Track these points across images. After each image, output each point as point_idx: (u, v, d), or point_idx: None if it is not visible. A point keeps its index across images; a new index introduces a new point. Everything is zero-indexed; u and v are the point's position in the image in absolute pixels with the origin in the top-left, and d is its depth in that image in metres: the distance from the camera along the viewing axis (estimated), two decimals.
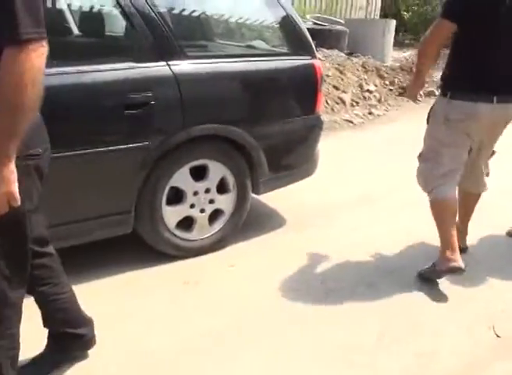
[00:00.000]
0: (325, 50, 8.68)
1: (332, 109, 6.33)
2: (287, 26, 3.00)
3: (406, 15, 14.79)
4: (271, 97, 2.82)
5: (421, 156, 2.72)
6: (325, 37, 9.22)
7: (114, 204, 2.41)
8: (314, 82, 2.97)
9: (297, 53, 2.95)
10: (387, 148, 4.95)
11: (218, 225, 2.80)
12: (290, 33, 3.02)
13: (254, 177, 2.85)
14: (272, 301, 2.41)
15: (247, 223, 3.02)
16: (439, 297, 2.51)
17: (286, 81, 2.89)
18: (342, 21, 11.04)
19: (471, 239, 3.02)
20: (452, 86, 2.54)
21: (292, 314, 2.32)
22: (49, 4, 2.65)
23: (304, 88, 2.98)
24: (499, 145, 2.76)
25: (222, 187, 2.77)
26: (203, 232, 2.75)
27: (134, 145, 2.34)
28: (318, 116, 3.07)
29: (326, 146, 4.74)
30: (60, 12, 2.91)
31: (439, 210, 2.59)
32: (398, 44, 13.24)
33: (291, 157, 3.03)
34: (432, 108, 2.65)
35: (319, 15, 11.32)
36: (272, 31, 3.22)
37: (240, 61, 2.70)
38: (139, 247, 2.68)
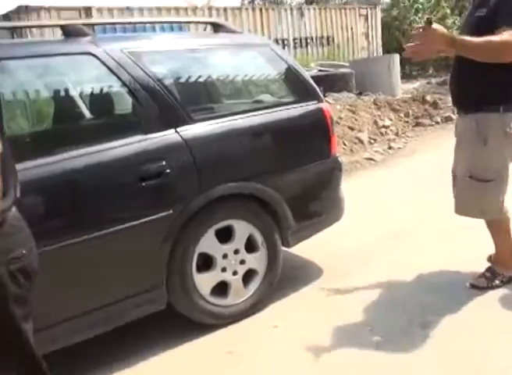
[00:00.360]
0: (334, 94, 8.77)
1: (351, 150, 6.29)
2: (290, 76, 3.02)
3: None
4: (284, 146, 2.79)
5: (484, 181, 2.51)
6: (332, 82, 9.34)
7: (143, 281, 2.34)
8: (325, 125, 2.94)
9: (303, 100, 2.94)
10: (412, 180, 4.83)
11: (253, 286, 2.70)
12: (294, 83, 3.03)
13: (281, 231, 2.77)
14: (322, 360, 2.27)
15: (283, 279, 2.92)
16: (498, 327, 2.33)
17: (296, 128, 2.86)
18: (346, 64, 11.24)
19: None
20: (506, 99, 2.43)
21: (347, 370, 2.17)
22: (62, 93, 2.71)
23: (315, 133, 2.95)
24: None
25: (250, 246, 2.69)
26: (239, 295, 2.65)
27: (155, 217, 2.30)
28: (335, 158, 3.01)
29: (350, 187, 4.67)
30: (71, 99, 2.98)
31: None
32: (406, 76, 13.36)
33: (315, 204, 2.96)
34: (475, 129, 2.49)
35: (323, 62, 11.56)
36: (276, 84, 3.24)
37: (248, 116, 2.69)
38: (172, 321, 2.59)
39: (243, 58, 2.97)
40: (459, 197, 2.66)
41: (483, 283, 2.71)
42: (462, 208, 2.66)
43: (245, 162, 2.63)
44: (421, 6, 15.18)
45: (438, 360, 2.15)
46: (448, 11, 15.28)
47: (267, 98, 3.05)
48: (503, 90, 2.43)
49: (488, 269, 2.75)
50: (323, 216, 2.99)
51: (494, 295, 2.63)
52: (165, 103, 2.44)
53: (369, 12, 13.55)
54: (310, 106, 2.94)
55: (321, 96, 3.05)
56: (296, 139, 2.87)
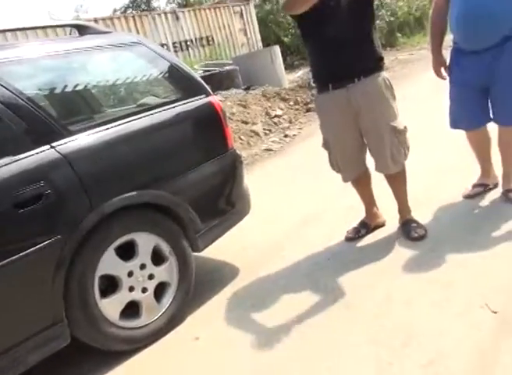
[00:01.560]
0: (222, 92, 8.70)
1: (249, 143, 6.23)
2: (171, 72, 2.84)
3: (286, 39, 15.35)
4: (177, 147, 2.61)
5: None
6: (218, 80, 9.28)
7: (40, 318, 2.06)
8: (217, 118, 2.80)
9: (190, 96, 2.78)
10: (312, 164, 4.85)
11: (167, 299, 2.50)
12: (177, 79, 2.86)
13: (188, 236, 2.59)
14: (251, 362, 2.13)
15: (199, 285, 2.75)
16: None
17: (186, 126, 2.70)
18: (229, 61, 11.22)
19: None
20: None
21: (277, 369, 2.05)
22: None
23: (208, 128, 2.80)
24: None
25: (158, 258, 2.48)
26: (153, 313, 2.44)
27: (42, 245, 2.03)
28: (232, 150, 2.89)
29: (254, 180, 4.61)
30: None
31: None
32: (289, 67, 13.63)
33: (220, 201, 2.82)
34: (383, 86, 2.74)
35: (207, 62, 11.45)
36: (158, 82, 3.05)
37: (132, 120, 2.47)
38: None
39: (117, 59, 2.73)
40: (387, 151, 2.76)
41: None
42: (394, 162, 2.79)
43: (136, 170, 2.41)
44: None
45: (367, 337, 2.10)
46: None
47: (150, 98, 2.85)
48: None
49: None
50: (230, 212, 2.86)
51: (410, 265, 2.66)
52: (32, 118, 2.16)
53: (243, 8, 13.64)
54: (198, 101, 2.79)
55: (209, 89, 2.90)
56: (189, 137, 2.71)
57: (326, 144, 2.93)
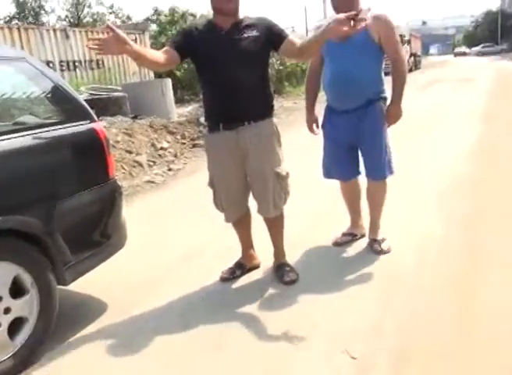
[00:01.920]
0: (108, 118, 8.45)
1: (131, 174, 6.07)
2: (55, 93, 2.69)
3: (178, 73, 15.45)
4: (52, 171, 2.46)
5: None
6: (105, 106, 9.01)
7: None
8: (99, 146, 2.70)
9: (73, 120, 2.65)
10: (193, 200, 4.84)
11: (23, 336, 2.28)
12: (60, 101, 2.71)
13: (55, 267, 2.42)
14: None
15: (61, 321, 2.56)
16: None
17: (65, 150, 2.56)
18: (119, 88, 10.99)
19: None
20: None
21: None
22: None
23: (89, 154, 2.68)
24: None
25: (17, 290, 2.28)
26: (4, 351, 2.21)
27: None
28: (113, 181, 2.79)
29: (133, 213, 4.48)
30: None
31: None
32: (179, 101, 13.70)
33: (95, 232, 2.69)
34: (272, 133, 2.85)
35: (94, 85, 11.10)
36: (40, 103, 2.86)
37: (4, 138, 2.29)
38: None
39: None
40: (270, 196, 2.84)
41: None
42: (275, 207, 2.87)
43: (2, 192, 2.22)
44: None
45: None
46: None
47: (28, 118, 2.67)
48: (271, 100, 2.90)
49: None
50: (105, 244, 2.73)
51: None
52: None
53: (138, 37, 13.55)
54: (80, 126, 2.67)
55: (94, 116, 2.79)
56: (67, 162, 2.56)
57: (212, 183, 2.95)
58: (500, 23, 55.09)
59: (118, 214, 2.82)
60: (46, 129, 2.52)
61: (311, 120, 3.36)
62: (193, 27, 2.79)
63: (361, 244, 3.40)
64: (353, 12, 2.34)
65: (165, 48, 2.73)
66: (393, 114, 3.09)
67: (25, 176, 2.33)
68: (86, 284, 2.89)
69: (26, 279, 2.30)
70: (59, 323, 2.52)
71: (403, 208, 3.92)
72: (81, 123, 2.68)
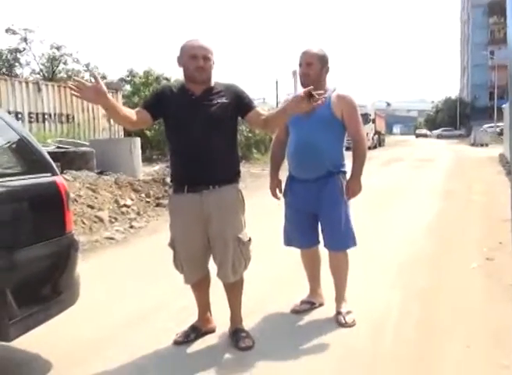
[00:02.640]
0: (73, 172, 8.37)
1: (91, 229, 5.96)
2: (20, 146, 2.68)
3: (149, 133, 15.61)
4: (7, 221, 2.39)
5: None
6: (71, 159, 8.97)
7: None
8: (59, 199, 2.66)
9: (34, 172, 2.63)
10: (153, 259, 4.76)
11: None
12: (23, 153, 2.69)
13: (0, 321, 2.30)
14: None
15: None
16: None
17: (22, 201, 2.51)
18: (87, 143, 10.99)
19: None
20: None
21: None
22: None
23: (47, 207, 2.64)
24: None
25: None
26: None
27: None
28: (70, 235, 2.72)
29: (89, 268, 4.35)
30: None
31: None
32: (147, 159, 13.75)
33: (45, 287, 2.58)
34: (237, 198, 2.90)
35: (62, 139, 11.07)
36: (2, 153, 2.83)
37: None
38: None
39: None
40: (229, 261, 2.81)
41: None
42: (234, 272, 2.84)
43: None
44: None
45: None
46: None
47: None
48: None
49: None
50: (55, 300, 2.62)
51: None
52: None
53: (111, 95, 13.74)
54: (41, 179, 2.64)
55: (56, 169, 2.77)
56: (23, 214, 2.51)
57: (173, 243, 2.92)
58: (459, 110, 58.42)
59: (71, 270, 2.73)
60: (5, 179, 2.48)
61: (274, 186, 3.42)
62: (166, 89, 2.89)
63: (319, 313, 3.37)
64: (311, 87, 2.49)
65: (137, 109, 2.81)
66: (353, 188, 3.18)
67: None
68: (31, 341, 2.74)
69: None
70: None
71: (362, 280, 3.94)
72: (43, 175, 2.66)
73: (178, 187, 2.86)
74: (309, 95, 2.46)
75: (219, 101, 2.79)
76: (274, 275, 4.18)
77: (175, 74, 19.90)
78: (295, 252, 3.50)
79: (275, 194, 3.44)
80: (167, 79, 17.82)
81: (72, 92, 2.43)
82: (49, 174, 2.69)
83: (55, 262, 2.65)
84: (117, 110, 2.62)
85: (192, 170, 2.78)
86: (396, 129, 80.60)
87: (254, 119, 2.83)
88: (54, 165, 2.76)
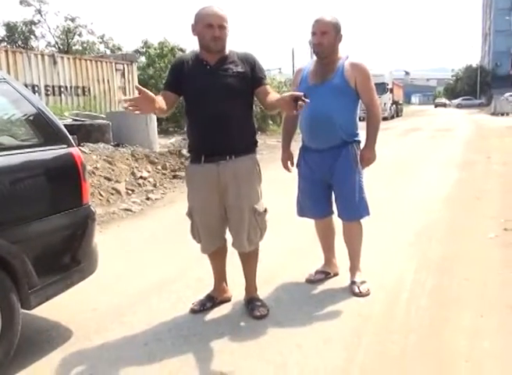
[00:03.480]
0: (90, 144, 8.43)
1: (108, 201, 6.03)
2: (34, 116, 2.68)
3: None
4: (25, 193, 2.43)
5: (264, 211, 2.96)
6: (88, 132, 8.99)
7: None
8: (75, 171, 2.69)
9: (50, 143, 2.65)
10: (171, 229, 4.83)
11: None
12: (39, 124, 2.70)
13: (20, 290, 2.36)
14: None
15: (23, 346, 2.49)
16: None
17: (40, 173, 2.55)
18: (103, 115, 11.02)
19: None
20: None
21: None
22: None
23: (63, 179, 2.68)
24: None
25: None
26: None
27: None
28: (87, 206, 2.76)
29: (107, 239, 4.43)
30: None
31: None
32: (163, 132, 13.77)
33: (64, 256, 2.64)
34: (254, 167, 2.90)
35: (78, 112, 11.11)
36: (18, 125, 2.85)
37: None
38: None
39: None
40: (245, 231, 2.83)
41: None
42: (250, 242, 2.86)
43: None
44: None
45: None
46: None
47: (4, 138, 2.66)
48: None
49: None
50: (73, 269, 2.68)
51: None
52: None
53: (126, 67, 13.69)
54: (57, 150, 2.67)
55: (72, 141, 2.79)
56: (40, 185, 2.55)
57: (190, 214, 2.94)
58: (479, 79, 57.11)
59: (89, 240, 2.78)
60: (22, 150, 2.52)
61: (285, 158, 3.41)
62: (180, 62, 2.87)
63: (334, 283, 3.40)
64: (299, 94, 2.44)
65: (162, 92, 2.81)
66: (367, 157, 3.15)
67: None
68: (51, 309, 2.82)
69: None
70: (21, 348, 2.45)
71: (377, 249, 3.95)
72: (58, 146, 2.68)
73: (195, 157, 2.87)
74: (295, 100, 2.41)
75: (235, 70, 2.77)
76: (289, 245, 4.20)
77: (190, 45, 19.75)
78: (310, 223, 3.51)
79: (286, 167, 3.43)
80: (182, 50, 17.65)
81: (134, 112, 2.40)
82: (65, 146, 2.71)
83: (72, 232, 2.70)
84: (162, 107, 2.62)
85: (208, 140, 2.78)
86: (415, 99, 79.22)
87: (260, 96, 2.81)
88: (70, 137, 2.78)
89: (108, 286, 3.40)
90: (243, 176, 2.81)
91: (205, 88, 2.74)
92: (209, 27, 2.69)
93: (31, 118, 2.69)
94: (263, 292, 3.15)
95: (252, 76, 2.80)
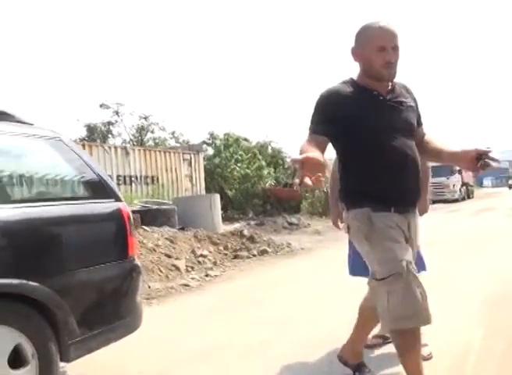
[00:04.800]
0: (155, 228, 8.65)
1: (167, 277, 6.04)
2: (84, 171, 2.81)
3: (230, 193, 15.98)
4: (71, 242, 2.48)
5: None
6: (153, 216, 9.29)
7: None
8: (122, 224, 2.74)
9: (99, 197, 2.74)
10: (226, 303, 4.71)
11: None
12: (88, 179, 2.79)
13: (60, 340, 2.34)
14: None
15: None
16: None
17: (88, 225, 2.63)
18: (169, 202, 11.43)
19: None
20: None
21: None
22: None
23: (110, 231, 2.74)
24: None
25: (17, 359, 2.19)
26: None
27: None
28: (132, 260, 2.77)
29: (162, 311, 4.39)
30: None
31: None
32: (228, 219, 13.97)
33: (107, 309, 2.61)
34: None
35: (147, 199, 11.60)
36: (67, 178, 2.96)
37: (31, 206, 2.38)
38: None
39: (30, 149, 2.72)
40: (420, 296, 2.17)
41: None
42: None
43: (19, 257, 2.25)
44: (240, 157, 16.66)
45: None
46: (263, 163, 16.95)
47: (56, 189, 2.79)
48: None
49: None
50: (115, 323, 2.63)
51: None
52: None
53: (192, 157, 14.36)
54: (106, 204, 2.75)
55: (120, 196, 2.89)
56: (87, 236, 2.60)
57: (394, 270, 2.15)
58: None
59: (133, 294, 2.75)
60: (72, 202, 2.62)
61: (336, 215, 3.33)
62: (335, 94, 2.24)
63: (392, 347, 3.11)
64: (486, 150, 2.11)
65: (308, 140, 2.13)
66: (421, 206, 2.99)
67: (44, 243, 2.37)
68: (96, 367, 2.76)
69: (28, 349, 2.22)
70: None
71: (444, 311, 3.63)
72: (107, 201, 2.76)
73: (379, 207, 2.23)
74: (478, 157, 2.09)
75: (408, 103, 2.32)
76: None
77: (253, 136, 20.50)
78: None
79: (336, 224, 3.34)
80: (246, 140, 18.38)
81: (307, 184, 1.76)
82: (112, 200, 2.79)
83: (117, 284, 2.69)
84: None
85: (400, 187, 2.24)
86: (487, 182, 76.60)
87: (418, 138, 2.36)
88: (118, 191, 2.88)
89: (153, 349, 3.30)
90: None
91: (388, 126, 2.23)
92: (381, 50, 2.17)
93: (82, 173, 2.81)
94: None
95: (417, 112, 2.38)
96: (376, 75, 2.22)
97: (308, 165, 1.75)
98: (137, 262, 2.85)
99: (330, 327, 3.55)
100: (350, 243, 3.23)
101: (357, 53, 2.25)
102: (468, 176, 31.43)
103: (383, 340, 3.20)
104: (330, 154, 2.95)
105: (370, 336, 3.21)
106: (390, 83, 2.28)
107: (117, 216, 2.75)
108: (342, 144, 2.29)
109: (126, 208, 2.86)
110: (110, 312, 2.63)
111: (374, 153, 2.22)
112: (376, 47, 2.16)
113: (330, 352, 3.12)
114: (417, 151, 2.30)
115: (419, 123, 2.40)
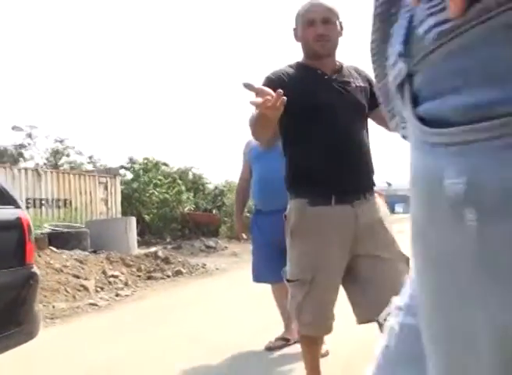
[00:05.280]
0: (66, 251, 8.36)
1: (74, 297, 5.87)
2: None
3: (147, 217, 15.74)
4: None
5: None
6: (65, 240, 9.02)
7: None
8: (21, 231, 2.72)
9: None
10: (137, 322, 4.66)
11: None
12: None
13: None
14: None
15: None
16: None
17: None
18: (82, 225, 11.10)
19: None
20: None
21: None
22: None
23: (8, 238, 2.70)
24: None
25: None
26: None
27: None
28: (29, 267, 2.74)
29: (67, 332, 4.27)
30: None
31: None
32: (145, 243, 13.75)
33: (3, 316, 2.55)
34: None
35: (58, 223, 11.19)
36: None
37: None
38: None
39: None
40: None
41: None
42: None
43: None
44: (159, 182, 16.54)
45: None
46: (183, 187, 16.92)
47: None
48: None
49: None
50: (13, 330, 2.58)
51: None
52: None
53: (109, 180, 14.07)
54: (4, 210, 2.72)
55: (20, 204, 2.86)
56: None
57: (306, 280, 2.12)
58: None
59: (31, 301, 2.72)
60: None
61: (240, 226, 3.50)
62: (279, 74, 2.15)
63: (295, 349, 3.26)
64: None
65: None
66: None
67: None
68: None
69: None
70: None
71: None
72: (6, 207, 2.73)
73: (319, 197, 2.10)
74: None
75: (357, 83, 2.19)
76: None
77: (173, 161, 20.47)
78: None
79: (240, 235, 3.50)
80: (166, 164, 18.29)
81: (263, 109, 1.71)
82: (12, 207, 2.76)
83: (13, 291, 2.64)
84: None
85: (341, 174, 2.09)
86: (399, 208, 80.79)
87: (378, 121, 2.19)
88: (18, 199, 2.85)
89: (53, 364, 3.22)
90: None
91: (329, 103, 2.11)
92: (311, 24, 2.10)
93: None
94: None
95: (371, 93, 2.15)
96: (311, 51, 2.15)
97: (264, 92, 1.67)
98: (35, 269, 2.82)
99: (235, 336, 3.64)
100: (254, 251, 3.39)
101: (295, 33, 2.20)
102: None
103: (285, 342, 3.34)
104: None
105: (273, 338, 3.36)
106: (337, 64, 2.20)
107: (16, 223, 2.73)
108: (284, 125, 2.10)
109: (26, 216, 2.84)
110: (6, 319, 2.57)
111: (314, 133, 2.11)
112: (306, 21, 2.11)
113: (232, 357, 3.21)
114: (365, 133, 2.18)
115: (376, 104, 2.14)
